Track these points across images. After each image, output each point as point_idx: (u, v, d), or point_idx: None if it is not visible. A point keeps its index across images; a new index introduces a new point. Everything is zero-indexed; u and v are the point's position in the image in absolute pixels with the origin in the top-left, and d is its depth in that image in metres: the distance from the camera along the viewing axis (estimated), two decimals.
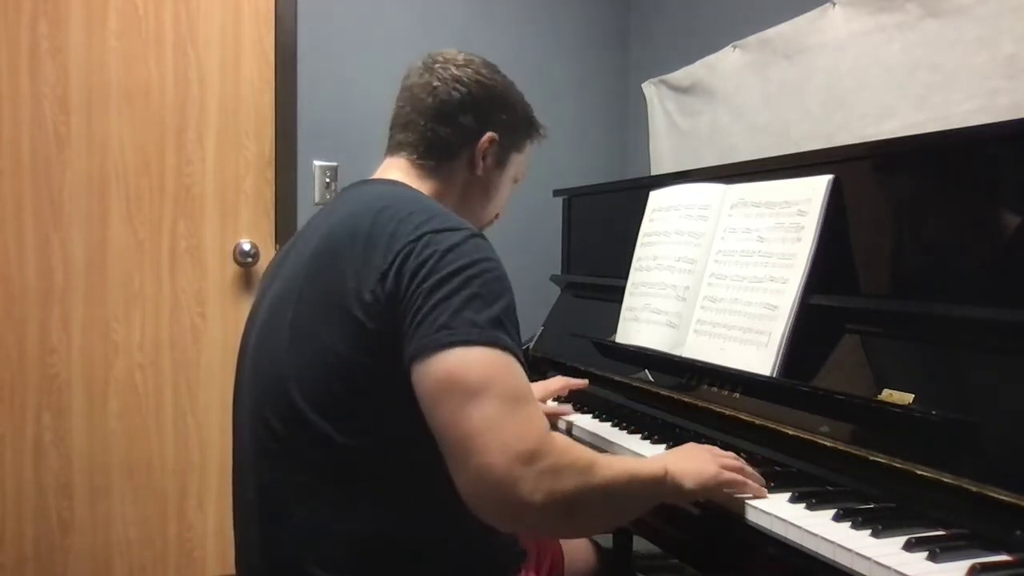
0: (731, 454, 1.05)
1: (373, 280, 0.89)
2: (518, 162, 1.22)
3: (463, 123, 1.11)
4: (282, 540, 0.95)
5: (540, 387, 1.55)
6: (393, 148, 1.14)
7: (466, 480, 0.81)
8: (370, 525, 0.92)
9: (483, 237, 0.95)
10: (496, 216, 1.24)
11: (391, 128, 1.16)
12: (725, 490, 0.99)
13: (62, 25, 2.09)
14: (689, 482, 0.96)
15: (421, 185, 1.10)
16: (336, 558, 0.92)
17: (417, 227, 0.91)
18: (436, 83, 1.11)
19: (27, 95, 2.07)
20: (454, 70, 1.11)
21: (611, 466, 0.88)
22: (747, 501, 0.98)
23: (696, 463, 0.99)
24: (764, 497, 0.99)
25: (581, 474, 0.83)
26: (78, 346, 2.14)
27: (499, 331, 0.85)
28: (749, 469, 1.03)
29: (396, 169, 1.12)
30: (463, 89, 1.11)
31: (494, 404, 0.80)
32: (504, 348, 0.85)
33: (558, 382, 1.59)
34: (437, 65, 1.12)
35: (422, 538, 0.95)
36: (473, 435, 0.79)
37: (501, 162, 1.17)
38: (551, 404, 1.57)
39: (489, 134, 1.13)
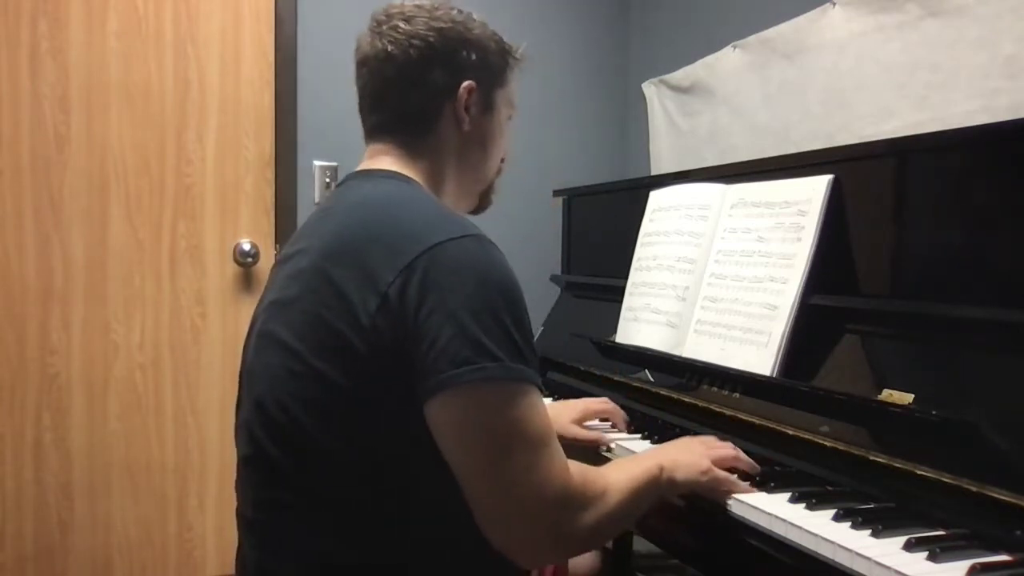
0: (727, 444, 1.07)
1: (372, 304, 0.83)
2: (505, 97, 1.10)
3: (433, 82, 1.01)
4: (272, 559, 0.93)
5: (579, 406, 1.36)
6: (371, 134, 1.06)
7: (500, 530, 0.82)
8: (361, 552, 0.89)
9: (486, 238, 0.89)
10: (502, 161, 1.14)
11: (360, 111, 1.06)
12: (716, 488, 1.00)
13: (62, 25, 2.09)
14: (681, 475, 0.98)
15: (414, 167, 1.02)
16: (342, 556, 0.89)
17: (417, 242, 0.85)
18: (390, 47, 0.99)
19: (27, 95, 2.07)
20: (404, 25, 1.00)
21: (619, 482, 0.90)
22: (747, 502, 0.98)
23: (689, 456, 1.01)
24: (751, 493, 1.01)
25: (602, 502, 0.86)
26: (78, 346, 2.14)
27: (520, 361, 0.83)
28: (743, 456, 1.05)
29: (384, 156, 1.03)
30: (420, 44, 0.99)
31: (524, 452, 0.81)
32: (527, 381, 0.83)
33: (599, 405, 1.38)
34: (385, 27, 1.01)
35: (416, 567, 0.91)
36: (506, 486, 0.80)
37: (488, 106, 1.07)
38: (588, 429, 1.34)
39: (465, 83, 1.02)
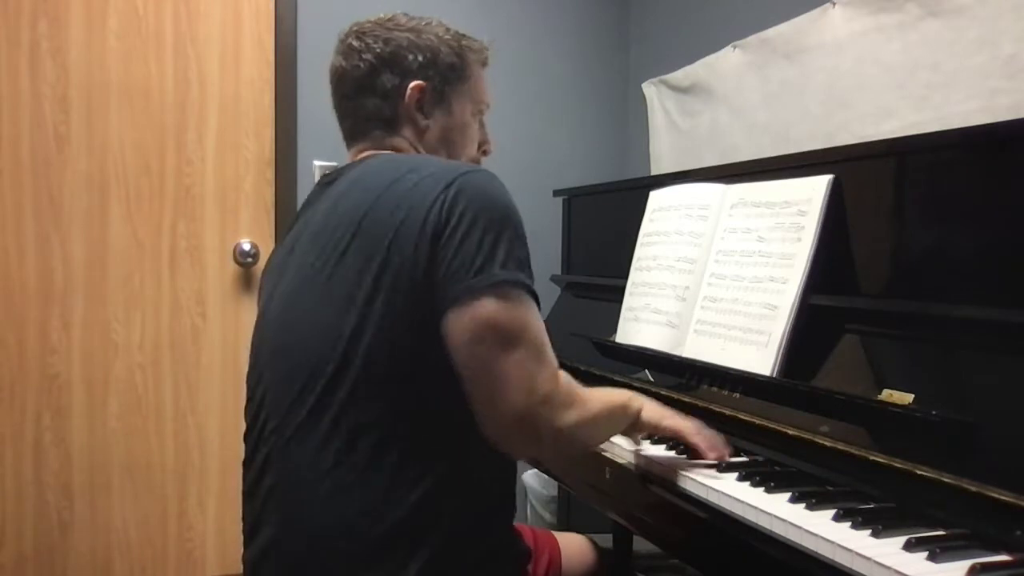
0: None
1: (415, 229, 0.91)
2: (468, 92, 1.15)
3: (382, 85, 1.08)
4: (307, 516, 0.94)
5: None
6: (348, 139, 1.15)
7: (492, 416, 0.90)
8: (400, 502, 0.92)
9: (496, 176, 0.98)
10: (485, 154, 1.21)
11: (339, 124, 1.16)
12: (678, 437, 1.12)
13: (62, 25, 2.09)
14: (646, 415, 1.09)
15: None
16: (363, 531, 0.92)
17: (448, 171, 0.95)
18: (345, 65, 1.10)
19: (27, 95, 2.07)
20: (356, 42, 1.09)
21: (598, 397, 1.02)
22: (748, 502, 0.97)
23: (657, 407, 1.12)
24: (715, 460, 1.09)
25: (580, 408, 0.95)
26: (78, 346, 2.14)
27: (524, 273, 0.94)
28: (708, 432, 1.12)
29: (366, 152, 1.11)
30: (368, 56, 1.08)
31: (525, 352, 0.90)
32: (530, 291, 0.94)
33: None
34: (343, 45, 1.11)
35: (450, 516, 0.95)
36: (506, 379, 0.88)
37: (444, 103, 1.12)
38: None
39: (412, 84, 1.08)
